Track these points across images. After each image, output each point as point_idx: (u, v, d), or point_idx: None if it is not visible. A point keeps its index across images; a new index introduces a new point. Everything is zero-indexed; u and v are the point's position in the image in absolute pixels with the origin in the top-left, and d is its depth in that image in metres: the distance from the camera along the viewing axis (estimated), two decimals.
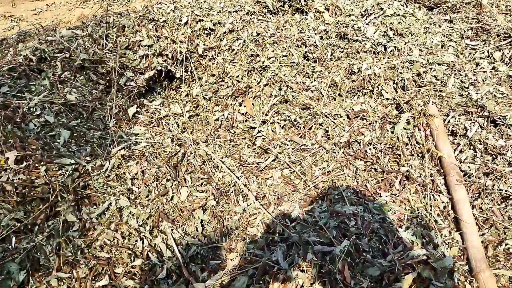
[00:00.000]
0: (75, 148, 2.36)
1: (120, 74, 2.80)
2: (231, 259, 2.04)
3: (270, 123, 2.66)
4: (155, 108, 2.89)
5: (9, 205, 2.03)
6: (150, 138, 2.60)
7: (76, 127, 2.50)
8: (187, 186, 2.34)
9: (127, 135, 2.56)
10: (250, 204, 2.33)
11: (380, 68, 3.00)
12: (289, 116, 2.64)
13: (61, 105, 2.56)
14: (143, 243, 2.08)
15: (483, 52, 3.38)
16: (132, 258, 2.02)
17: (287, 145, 2.52)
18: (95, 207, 2.18)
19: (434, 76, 3.06)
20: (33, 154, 2.16)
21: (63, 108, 2.56)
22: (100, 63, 2.78)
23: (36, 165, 2.13)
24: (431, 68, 3.11)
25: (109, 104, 2.71)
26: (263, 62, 2.90)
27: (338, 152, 2.45)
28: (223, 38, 3.13)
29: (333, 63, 3.05)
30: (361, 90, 2.92)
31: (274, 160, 2.51)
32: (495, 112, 2.65)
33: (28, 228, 2.03)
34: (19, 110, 2.38)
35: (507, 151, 2.39)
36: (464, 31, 3.62)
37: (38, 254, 1.97)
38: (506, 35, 3.35)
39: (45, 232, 2.02)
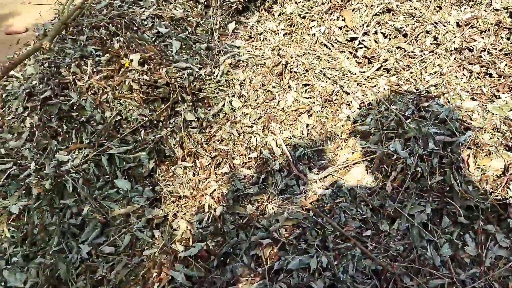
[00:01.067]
0: (186, 57, 2.41)
1: None
2: (343, 154, 2.01)
3: (373, 33, 2.50)
4: (252, 25, 2.84)
5: (136, 102, 2.14)
6: (251, 51, 2.58)
7: (184, 39, 2.53)
8: (292, 92, 2.31)
9: (231, 47, 2.56)
10: (355, 111, 2.26)
11: None
12: (393, 25, 2.45)
13: (168, 19, 2.60)
14: (256, 140, 2.11)
15: None
16: (248, 151, 2.07)
17: (394, 52, 2.36)
18: (209, 108, 2.23)
19: None
20: (154, 58, 2.23)
21: (170, 23, 2.60)
22: None
23: (157, 67, 2.21)
24: None
25: (211, 20, 2.71)
26: None
27: (449, 58, 2.25)
28: None
29: None
30: (468, 2, 2.61)
31: (378, 69, 2.38)
32: None
33: (154, 124, 2.14)
34: (135, 21, 2.45)
35: None
36: None
37: (164, 146, 2.09)
38: None
39: (168, 128, 2.12)
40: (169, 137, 2.10)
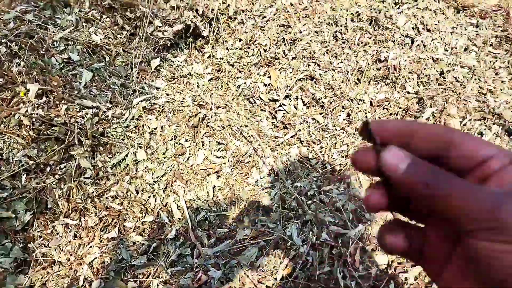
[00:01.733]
0: (96, 92, 2.13)
1: (148, 22, 2.52)
2: (241, 229, 1.89)
3: (294, 98, 2.45)
4: (178, 64, 2.63)
5: (24, 140, 1.81)
6: (170, 94, 2.37)
7: (98, 70, 2.25)
8: (205, 149, 2.15)
9: (149, 87, 2.33)
10: (264, 177, 2.17)
11: (406, 60, 2.79)
12: (313, 94, 2.43)
13: (85, 45, 2.29)
14: (155, 200, 1.91)
15: (504, 62, 3.18)
16: (143, 214, 1.86)
17: (309, 123, 2.33)
18: (110, 156, 1.98)
19: (455, 77, 2.87)
20: (55, 91, 1.93)
21: (86, 48, 2.30)
22: (130, 6, 2.48)
23: (57, 102, 1.91)
24: (453, 69, 2.92)
25: (134, 53, 2.45)
26: (295, 33, 2.65)
27: (358, 138, 2.28)
28: (256, 3, 2.85)
29: (360, 48, 2.82)
30: (385, 80, 2.71)
31: (293, 136, 2.33)
32: (511, 122, 2.51)
33: (40, 168, 1.83)
34: (44, 42, 2.11)
35: None
36: (489, 38, 3.39)
37: (47, 196, 1.79)
38: None
39: (56, 175, 1.83)
40: (55, 186, 1.81)
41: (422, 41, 2.99)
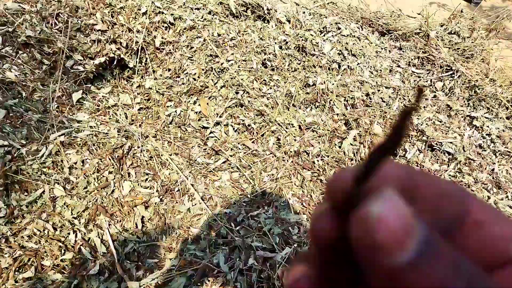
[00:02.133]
0: (9, 129, 2.19)
1: (67, 56, 2.65)
2: (170, 259, 1.99)
3: (224, 125, 2.66)
4: (102, 96, 2.76)
5: None
6: (94, 127, 2.48)
7: (13, 107, 2.32)
8: (131, 181, 2.26)
9: (69, 121, 2.43)
10: (196, 204, 2.31)
11: (333, 84, 3.13)
12: (243, 120, 2.66)
13: None
14: (76, 236, 1.97)
15: (427, 81, 3.66)
16: (63, 251, 1.91)
17: (239, 148, 2.54)
18: (26, 194, 2.03)
19: (381, 98, 3.26)
20: None
21: (0, 85, 2.37)
22: (47, 42, 2.61)
23: None
24: (378, 90, 3.31)
25: (52, 87, 2.55)
26: (222, 63, 2.90)
27: (288, 161, 2.51)
28: (183, 34, 3.10)
29: (289, 74, 3.14)
30: (314, 103, 3.02)
31: (224, 162, 2.51)
32: (433, 138, 2.88)
33: None
34: None
35: (440, 175, 2.60)
36: (412, 59, 3.89)
37: None
38: (447, 68, 3.65)
39: None
40: None
41: (348, 66, 3.37)
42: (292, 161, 2.52)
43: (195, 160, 2.51)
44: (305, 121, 2.84)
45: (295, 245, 1.94)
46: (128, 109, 2.76)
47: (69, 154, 2.22)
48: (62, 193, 2.05)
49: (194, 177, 2.41)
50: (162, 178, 2.35)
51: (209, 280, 1.82)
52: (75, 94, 2.61)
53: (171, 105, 2.86)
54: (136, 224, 2.15)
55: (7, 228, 1.90)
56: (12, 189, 2.02)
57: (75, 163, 2.19)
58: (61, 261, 1.88)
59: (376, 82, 3.33)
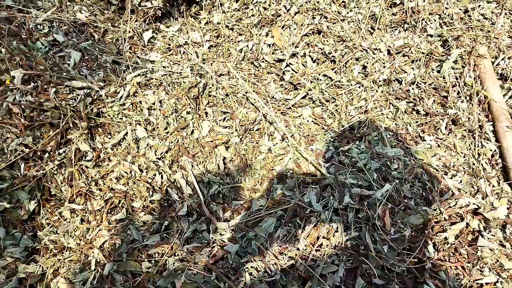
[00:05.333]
0: (86, 72, 2.13)
1: None
2: (256, 199, 1.87)
3: (301, 55, 2.38)
4: (172, 34, 2.60)
5: (16, 129, 1.84)
6: (167, 66, 2.34)
7: (87, 49, 2.24)
8: (209, 120, 2.13)
9: (143, 62, 2.31)
10: (277, 143, 2.14)
11: (424, 0, 2.65)
12: (322, 49, 2.35)
13: (70, 24, 2.28)
14: (162, 177, 1.91)
15: None
16: (151, 193, 1.86)
17: (320, 80, 2.27)
18: (109, 136, 1.99)
19: (482, 14, 2.72)
20: (42, 75, 1.93)
21: (72, 28, 2.29)
22: None
23: (45, 86, 1.92)
24: (479, 6, 2.76)
25: (123, 27, 2.42)
26: None
27: (377, 91, 2.20)
28: None
29: None
30: (403, 25, 2.60)
31: (304, 97, 2.27)
32: None
33: (38, 156, 1.86)
34: (25, 26, 2.11)
35: None
36: None
37: (49, 183, 1.82)
38: None
39: (56, 161, 1.85)
40: (55, 172, 1.83)
41: None
42: (382, 91, 2.21)
43: (273, 97, 2.30)
44: (394, 45, 2.46)
45: (396, 181, 1.70)
46: (199, 47, 2.57)
47: (147, 95, 2.11)
48: (144, 134, 1.97)
49: (273, 115, 2.21)
50: (239, 117, 2.19)
51: (301, 220, 1.67)
52: (146, 34, 2.47)
53: (242, 40, 2.62)
54: (218, 165, 2.04)
55: (96, 171, 1.89)
56: (96, 132, 1.98)
57: (153, 103, 2.09)
58: (150, 202, 1.84)
59: None
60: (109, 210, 1.80)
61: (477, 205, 1.65)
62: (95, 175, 1.87)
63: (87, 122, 1.93)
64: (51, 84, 1.93)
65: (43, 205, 1.79)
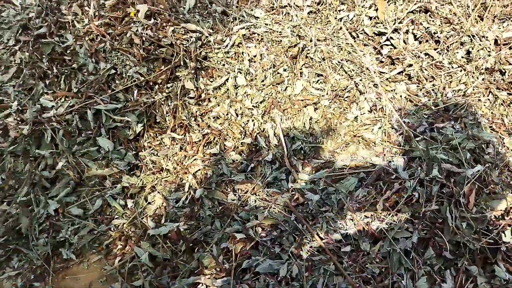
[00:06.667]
0: (199, 17, 2.27)
1: None
2: (340, 160, 1.94)
3: (404, 32, 2.35)
4: None
5: (135, 58, 2.04)
6: (269, 24, 2.43)
7: None
8: (303, 80, 2.20)
9: (248, 16, 2.41)
10: (364, 113, 2.16)
11: None
12: (427, 28, 2.30)
13: None
14: (254, 124, 2.03)
15: None
16: (242, 136, 2.00)
17: (421, 58, 2.23)
18: (212, 79, 2.13)
19: None
20: (162, 13, 2.11)
21: None
22: None
23: (164, 24, 2.09)
24: None
25: None
26: None
27: (478, 77, 2.13)
28: None
29: None
30: None
31: (400, 72, 2.25)
32: None
33: (149, 86, 2.05)
34: None
35: None
36: None
37: (156, 111, 2.01)
38: None
39: (164, 92, 2.04)
40: (163, 102, 2.02)
41: None
42: (483, 79, 2.13)
43: (367, 68, 2.31)
44: (502, 35, 2.33)
45: (487, 165, 1.68)
46: (300, 11, 2.62)
47: (249, 47, 2.22)
48: (243, 82, 2.10)
49: (365, 86, 2.22)
50: (332, 82, 2.23)
51: (384, 184, 1.72)
52: None
53: (343, 9, 2.62)
54: (304, 123, 2.12)
55: (196, 108, 2.05)
56: (200, 74, 2.14)
57: (255, 56, 2.20)
58: (241, 144, 1.97)
59: None
60: (205, 144, 1.96)
61: None
62: (196, 111, 2.03)
63: (195, 63, 2.08)
64: (169, 23, 2.10)
65: (148, 130, 2.00)
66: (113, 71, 2.01)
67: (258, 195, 1.82)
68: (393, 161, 1.78)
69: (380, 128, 1.99)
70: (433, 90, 2.12)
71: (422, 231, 1.62)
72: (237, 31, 2.25)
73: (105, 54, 2.04)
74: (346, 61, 2.32)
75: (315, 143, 2.09)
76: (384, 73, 2.27)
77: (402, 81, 2.23)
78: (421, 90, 2.15)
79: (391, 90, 2.21)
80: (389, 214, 1.66)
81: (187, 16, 2.22)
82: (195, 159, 1.90)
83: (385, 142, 1.92)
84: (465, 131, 1.82)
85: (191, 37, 2.12)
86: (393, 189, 1.69)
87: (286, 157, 1.98)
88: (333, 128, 2.13)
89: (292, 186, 1.85)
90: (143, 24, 2.08)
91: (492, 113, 2.03)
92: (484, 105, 2.05)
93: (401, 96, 2.15)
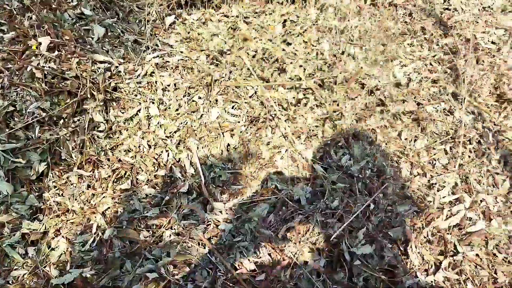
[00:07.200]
0: (108, 47, 2.21)
1: None
2: (253, 186, 1.96)
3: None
4: (192, 22, 2.67)
5: (36, 92, 1.92)
6: (185, 52, 2.42)
7: (111, 26, 2.32)
8: (218, 107, 2.21)
9: (162, 45, 2.39)
10: (279, 137, 2.21)
11: None
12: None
13: (97, 0, 2.36)
14: (168, 155, 1.99)
15: None
16: (156, 168, 1.95)
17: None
18: (123, 111, 2.07)
19: None
20: (67, 44, 2.02)
21: (99, 4, 2.37)
22: None
23: (69, 56, 2.00)
24: None
25: (147, 9, 2.50)
26: None
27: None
28: None
29: None
30: None
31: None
32: None
33: (53, 121, 1.94)
34: None
35: None
36: None
37: (61, 148, 1.90)
38: None
39: (70, 127, 1.94)
40: (68, 138, 1.91)
41: None
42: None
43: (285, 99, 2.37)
44: None
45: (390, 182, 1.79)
46: (216, 38, 2.64)
47: (163, 76, 2.20)
48: (156, 112, 2.06)
49: (276, 112, 2.28)
50: (247, 108, 2.26)
51: (292, 213, 1.77)
52: (168, 18, 2.55)
53: (257, 37, 2.69)
54: (222, 150, 2.12)
55: (106, 142, 1.97)
56: (111, 106, 2.07)
57: (168, 85, 2.17)
58: (154, 177, 1.92)
59: None
60: (115, 180, 1.88)
61: None
62: (106, 145, 1.95)
63: (104, 94, 2.01)
64: (75, 55, 2.02)
65: (52, 168, 1.88)
66: (11, 108, 1.87)
67: (174, 229, 1.78)
68: (297, 188, 1.84)
69: (286, 151, 2.04)
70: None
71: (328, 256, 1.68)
72: (149, 60, 2.21)
73: (3, 90, 1.90)
74: (260, 88, 2.37)
75: (233, 169, 2.09)
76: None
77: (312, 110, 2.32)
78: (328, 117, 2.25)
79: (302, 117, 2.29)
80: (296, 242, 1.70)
81: (95, 46, 2.15)
82: (104, 197, 1.82)
83: (291, 167, 1.98)
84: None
85: (99, 68, 2.04)
86: (296, 219, 1.75)
87: (204, 186, 1.96)
88: (251, 153, 2.16)
89: (207, 217, 1.82)
90: (45, 57, 1.97)
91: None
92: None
93: (310, 123, 2.23)
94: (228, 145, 2.15)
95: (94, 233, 1.70)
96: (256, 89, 2.29)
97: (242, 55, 2.50)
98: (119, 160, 1.92)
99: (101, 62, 2.09)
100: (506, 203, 1.90)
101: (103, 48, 2.18)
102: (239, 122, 2.21)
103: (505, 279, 1.63)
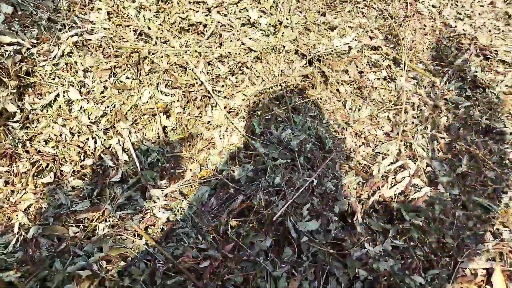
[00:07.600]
0: (18, 28, 1.97)
1: None
2: (192, 170, 1.86)
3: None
4: None
5: None
6: (109, 29, 2.22)
7: (21, 4, 2.07)
8: (150, 87, 2.06)
9: (82, 22, 2.17)
10: (220, 116, 2.11)
11: None
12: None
13: None
14: (95, 142, 1.83)
15: None
16: (82, 157, 1.78)
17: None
18: (40, 97, 1.87)
19: None
20: None
21: None
22: None
23: None
24: None
25: None
26: None
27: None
28: None
29: None
30: None
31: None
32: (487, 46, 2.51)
33: None
34: None
35: (496, 85, 2.29)
36: None
37: None
38: None
39: None
40: None
41: None
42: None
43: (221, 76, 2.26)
44: None
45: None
46: (145, 10, 2.45)
47: (83, 56, 2.00)
48: (77, 96, 1.87)
49: (217, 87, 2.17)
50: (183, 86, 2.13)
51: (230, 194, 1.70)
52: None
53: (192, 8, 2.52)
54: (158, 133, 1.99)
55: (23, 133, 1.77)
56: (26, 92, 1.86)
57: (91, 66, 1.98)
58: (81, 167, 1.76)
59: None
60: (36, 173, 1.71)
61: None
62: (22, 136, 1.76)
63: (16, 80, 1.80)
64: None
65: None
66: None
67: (108, 222, 1.65)
68: (238, 168, 1.76)
69: (226, 130, 1.95)
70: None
71: (274, 236, 1.63)
72: (66, 39, 2.00)
73: None
74: (197, 62, 2.24)
75: (172, 153, 1.98)
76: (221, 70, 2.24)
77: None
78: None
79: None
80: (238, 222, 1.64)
81: (1, 27, 1.90)
82: (25, 193, 1.64)
83: (231, 146, 1.90)
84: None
85: (7, 51, 1.81)
86: (238, 200, 1.68)
87: (140, 172, 1.83)
88: (192, 134, 2.04)
89: (145, 205, 1.71)
90: None
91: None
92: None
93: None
94: (165, 127, 2.02)
95: (17, 233, 1.55)
96: (191, 65, 2.16)
97: (174, 29, 2.34)
98: (39, 152, 1.74)
99: (9, 44, 1.85)
100: (452, 167, 1.94)
101: (12, 29, 1.94)
102: (174, 102, 2.07)
103: (453, 242, 1.67)
